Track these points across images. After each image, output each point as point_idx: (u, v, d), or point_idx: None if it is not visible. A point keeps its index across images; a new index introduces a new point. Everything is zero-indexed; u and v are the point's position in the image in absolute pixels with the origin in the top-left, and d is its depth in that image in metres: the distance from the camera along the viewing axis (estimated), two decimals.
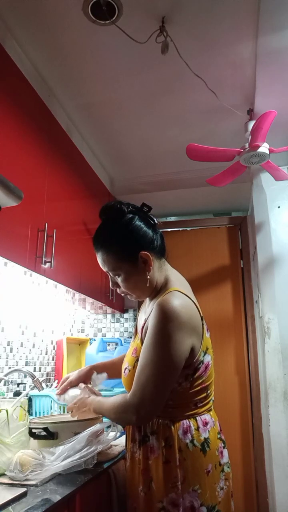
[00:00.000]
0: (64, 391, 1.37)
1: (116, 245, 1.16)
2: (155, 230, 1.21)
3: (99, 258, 1.19)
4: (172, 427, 1.09)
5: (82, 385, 1.35)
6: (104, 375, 1.39)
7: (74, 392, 1.34)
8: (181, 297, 1.11)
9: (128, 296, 1.23)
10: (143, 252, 1.15)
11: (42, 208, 1.77)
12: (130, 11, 1.67)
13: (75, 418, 1.29)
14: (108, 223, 1.20)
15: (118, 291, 1.23)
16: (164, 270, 1.22)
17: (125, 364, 1.21)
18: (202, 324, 1.14)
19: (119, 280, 1.19)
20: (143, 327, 1.16)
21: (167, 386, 1.06)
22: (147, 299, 1.26)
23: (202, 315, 1.16)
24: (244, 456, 2.74)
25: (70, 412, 1.30)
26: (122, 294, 1.23)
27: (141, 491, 1.09)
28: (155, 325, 1.05)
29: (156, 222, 1.22)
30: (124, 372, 1.20)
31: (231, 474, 1.17)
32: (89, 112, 2.35)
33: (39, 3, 1.65)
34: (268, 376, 2.39)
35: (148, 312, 1.18)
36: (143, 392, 1.04)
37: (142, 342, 1.12)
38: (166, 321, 1.04)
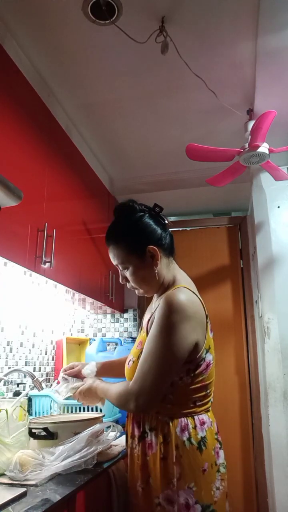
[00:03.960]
0: (70, 375, 1.40)
1: (126, 238, 1.21)
2: (165, 229, 1.26)
3: (110, 252, 1.25)
4: (171, 424, 1.10)
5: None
6: (93, 363, 1.42)
7: (75, 383, 1.36)
8: (188, 293, 1.14)
9: (136, 291, 1.27)
10: (151, 246, 1.19)
11: (41, 208, 1.77)
12: (130, 11, 1.67)
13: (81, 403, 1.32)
14: (119, 219, 1.26)
15: (128, 285, 1.27)
16: (172, 269, 1.26)
17: (130, 356, 1.23)
18: (207, 322, 1.16)
19: (127, 273, 1.23)
20: (148, 320, 1.19)
21: (168, 376, 1.07)
22: (154, 297, 1.30)
23: (207, 313, 1.18)
24: (244, 456, 2.74)
25: (77, 399, 1.32)
26: (131, 289, 1.27)
27: (139, 486, 1.11)
28: (161, 316, 1.08)
29: (167, 222, 1.27)
30: (128, 363, 1.22)
31: (227, 475, 1.18)
32: (89, 112, 2.35)
33: (39, 3, 1.65)
34: (267, 376, 2.39)
35: (154, 307, 1.21)
36: (144, 380, 1.06)
37: (147, 334, 1.14)
38: (172, 312, 1.07)
